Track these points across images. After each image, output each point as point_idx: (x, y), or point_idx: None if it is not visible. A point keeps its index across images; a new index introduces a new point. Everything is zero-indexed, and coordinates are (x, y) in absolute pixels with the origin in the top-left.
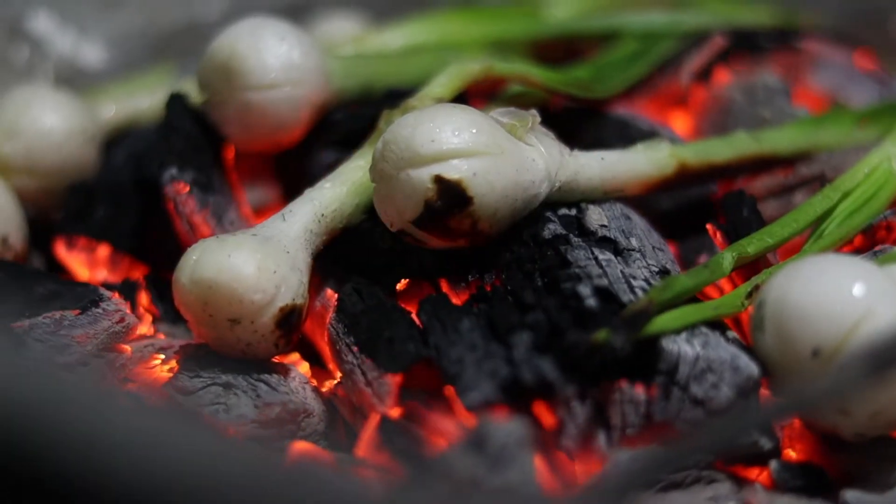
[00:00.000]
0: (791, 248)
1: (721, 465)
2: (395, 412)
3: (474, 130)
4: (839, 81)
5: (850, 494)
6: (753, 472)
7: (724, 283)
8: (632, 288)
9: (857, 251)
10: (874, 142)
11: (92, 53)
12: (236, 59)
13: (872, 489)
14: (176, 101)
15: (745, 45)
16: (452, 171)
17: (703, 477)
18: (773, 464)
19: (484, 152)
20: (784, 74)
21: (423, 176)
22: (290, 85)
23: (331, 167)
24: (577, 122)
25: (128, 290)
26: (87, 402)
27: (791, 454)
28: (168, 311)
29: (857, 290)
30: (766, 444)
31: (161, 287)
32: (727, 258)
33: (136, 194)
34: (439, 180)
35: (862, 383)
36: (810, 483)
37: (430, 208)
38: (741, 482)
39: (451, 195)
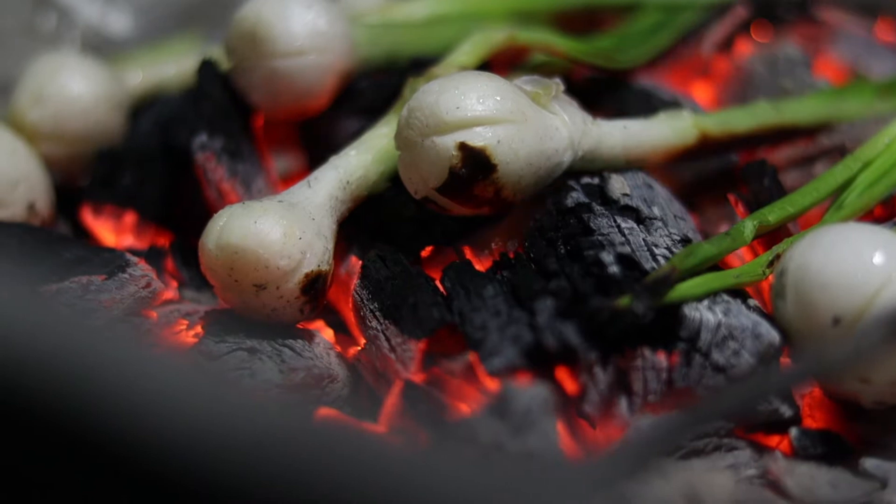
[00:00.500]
0: (811, 220)
1: (741, 433)
2: (418, 378)
3: (498, 98)
4: (859, 53)
5: (869, 462)
6: (774, 440)
7: (746, 254)
8: (654, 256)
9: (877, 221)
10: (894, 113)
11: (118, 22)
12: (263, 26)
13: (892, 457)
14: (207, 68)
15: (766, 16)
16: (477, 138)
17: (724, 444)
18: (793, 431)
19: (508, 120)
20: (805, 45)
21: (448, 143)
22: (315, 52)
23: (356, 135)
24: (600, 92)
25: (154, 257)
26: (118, 355)
27: (811, 422)
28: (194, 278)
29: (878, 258)
30: (786, 411)
31: (187, 253)
32: (748, 226)
33: (164, 161)
34: (464, 147)
35: (881, 349)
36: (830, 450)
37: (454, 175)
38: (761, 450)
39: (475, 162)
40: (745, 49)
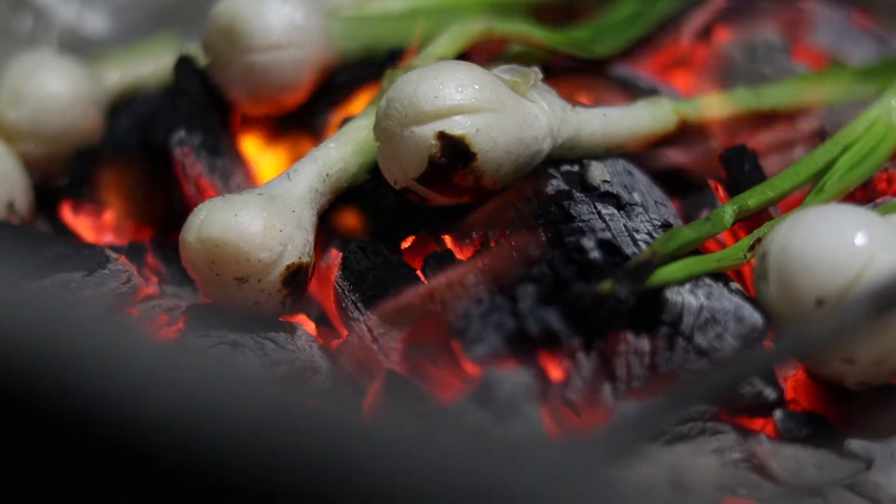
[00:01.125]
0: (792, 204)
1: (726, 417)
2: (401, 367)
3: (477, 87)
4: (837, 39)
5: (854, 443)
6: (758, 423)
7: (727, 240)
8: (635, 241)
9: (858, 203)
10: (873, 97)
11: (95, 22)
12: (239, 21)
13: (877, 437)
14: (184, 64)
15: (744, 3)
16: (456, 126)
17: (708, 428)
18: (778, 413)
19: (487, 108)
20: (783, 32)
21: (427, 132)
22: (292, 46)
23: (335, 127)
24: (579, 82)
25: (134, 253)
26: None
27: (795, 405)
28: (175, 273)
29: (860, 238)
30: (770, 394)
31: (167, 249)
32: (728, 211)
33: (143, 158)
34: (443, 136)
35: (864, 327)
36: (815, 432)
37: (434, 165)
38: (746, 433)
39: (454, 151)
40: (723, 36)
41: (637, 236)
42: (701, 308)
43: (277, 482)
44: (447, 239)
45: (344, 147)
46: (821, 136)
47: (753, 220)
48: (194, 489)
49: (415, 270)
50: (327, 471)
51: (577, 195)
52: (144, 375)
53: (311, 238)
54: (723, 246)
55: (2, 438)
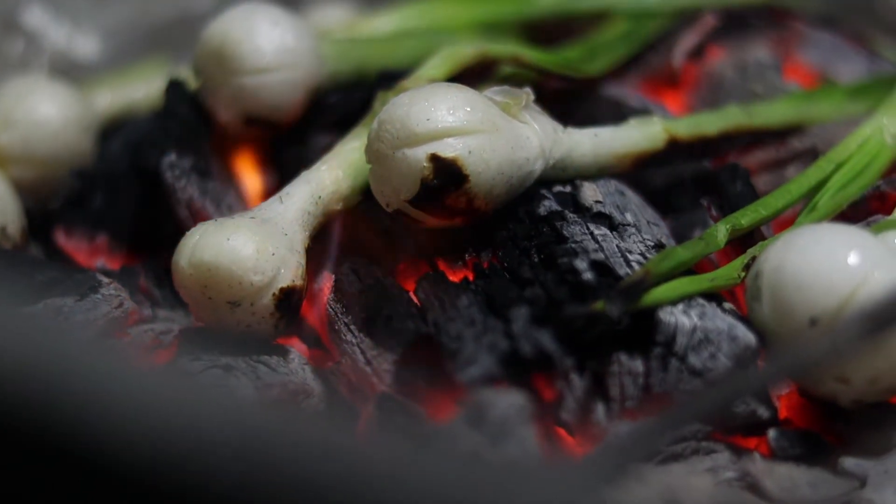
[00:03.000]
0: (784, 223)
1: (719, 436)
2: (394, 390)
3: (469, 108)
4: (828, 57)
5: (848, 461)
6: (752, 442)
7: (720, 260)
8: (628, 262)
9: (850, 222)
10: (865, 115)
11: (86, 46)
12: (230, 44)
13: (871, 455)
14: (174, 88)
15: (735, 23)
16: (448, 149)
17: (702, 448)
18: (771, 432)
19: (479, 130)
20: (774, 50)
21: (419, 155)
22: (283, 68)
23: (326, 150)
24: (570, 102)
25: (126, 277)
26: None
27: (789, 424)
28: (167, 297)
29: (853, 258)
30: (763, 413)
31: (160, 273)
32: (721, 230)
33: (134, 182)
34: (435, 159)
35: (858, 346)
36: (809, 451)
37: (426, 187)
38: (740, 452)
39: (447, 173)
40: (714, 55)
41: (630, 257)
42: (694, 328)
43: None
44: (439, 261)
45: (336, 169)
46: (812, 154)
47: (746, 239)
48: None
49: (407, 293)
50: (322, 495)
51: (570, 216)
52: (136, 400)
53: (304, 261)
54: (715, 266)
55: None
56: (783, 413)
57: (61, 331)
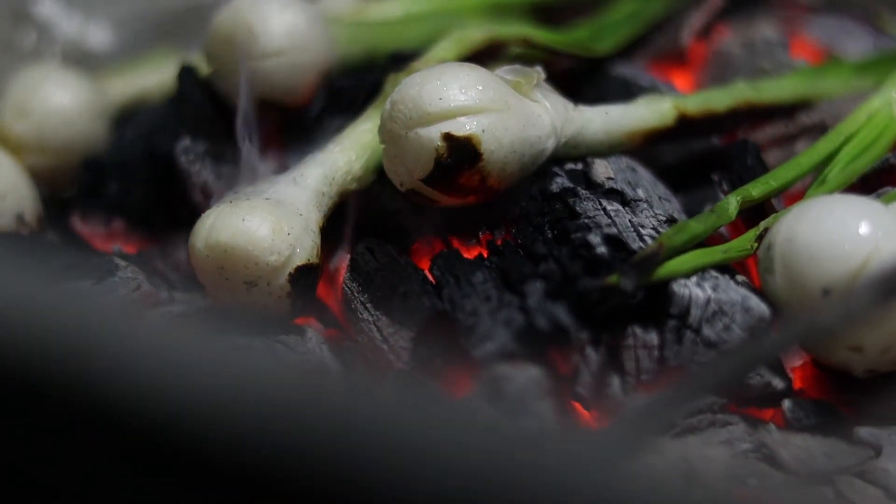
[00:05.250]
0: (796, 198)
1: (735, 408)
2: (412, 367)
3: (480, 87)
4: (834, 34)
5: (863, 431)
6: (767, 414)
7: (732, 236)
8: (640, 236)
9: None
10: (872, 89)
11: (98, 36)
12: (242, 29)
13: (885, 424)
14: (187, 73)
15: (741, 2)
16: (461, 127)
17: (718, 420)
18: (786, 403)
19: (491, 108)
20: (780, 28)
21: (433, 134)
22: (295, 52)
23: (339, 132)
24: (580, 82)
25: (143, 261)
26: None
27: (804, 394)
28: (184, 279)
29: (865, 228)
30: (778, 384)
31: (176, 257)
32: (732, 202)
33: (149, 168)
34: (448, 137)
35: (871, 313)
36: (824, 421)
37: (440, 165)
38: (755, 423)
39: (460, 151)
40: (722, 34)
41: (643, 231)
42: (708, 300)
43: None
44: (454, 239)
45: (349, 150)
46: (821, 129)
47: (757, 213)
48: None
49: (422, 271)
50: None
51: (582, 192)
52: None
53: (319, 240)
54: (726, 241)
55: (29, 435)
56: (797, 384)
57: (88, 308)
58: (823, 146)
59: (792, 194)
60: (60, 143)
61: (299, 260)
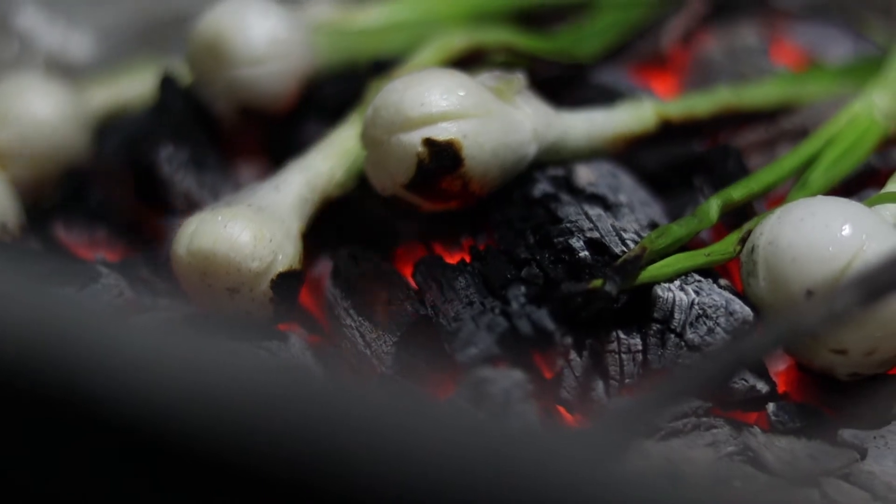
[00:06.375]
0: (778, 201)
1: (719, 411)
2: (395, 372)
3: (462, 93)
4: (815, 40)
5: (847, 433)
6: (752, 417)
7: (714, 240)
8: (623, 240)
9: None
10: (853, 94)
11: (80, 46)
12: (222, 37)
13: (869, 427)
14: (168, 82)
15: (722, 9)
16: (443, 132)
17: (702, 423)
18: (771, 406)
19: (473, 114)
20: (762, 35)
21: (414, 139)
22: (276, 59)
23: (321, 138)
24: (562, 89)
25: (126, 268)
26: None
27: (788, 398)
28: (167, 287)
29: (848, 229)
30: (762, 387)
31: (159, 263)
32: (713, 206)
33: (131, 176)
34: (430, 143)
35: (853, 315)
36: (808, 423)
37: (422, 171)
38: (740, 426)
39: (442, 157)
40: (703, 40)
41: (625, 235)
42: (692, 304)
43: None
44: (436, 245)
45: (331, 156)
46: (802, 133)
47: (739, 216)
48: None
49: (405, 277)
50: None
51: (564, 197)
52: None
53: (301, 247)
54: (708, 245)
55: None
56: (782, 388)
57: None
58: (805, 149)
59: (774, 198)
60: (42, 153)
61: (281, 266)
